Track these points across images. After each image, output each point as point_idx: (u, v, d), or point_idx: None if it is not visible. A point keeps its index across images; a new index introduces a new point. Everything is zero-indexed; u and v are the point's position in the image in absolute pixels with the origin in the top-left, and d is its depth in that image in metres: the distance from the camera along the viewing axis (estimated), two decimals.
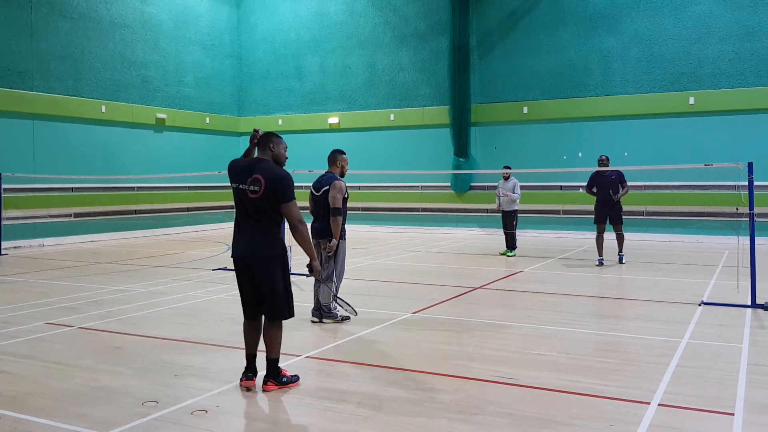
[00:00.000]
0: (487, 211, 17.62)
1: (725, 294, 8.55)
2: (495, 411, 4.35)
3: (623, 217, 11.61)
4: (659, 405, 4.42)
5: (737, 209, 13.65)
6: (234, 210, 4.89)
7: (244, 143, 21.75)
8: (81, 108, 16.59)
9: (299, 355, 5.71)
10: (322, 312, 7.06)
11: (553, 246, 14.78)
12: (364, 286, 8.51)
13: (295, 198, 4.70)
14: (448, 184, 18.75)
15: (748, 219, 7.77)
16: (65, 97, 16.23)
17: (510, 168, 13.35)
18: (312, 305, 7.19)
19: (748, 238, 7.84)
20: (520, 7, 17.76)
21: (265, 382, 4.79)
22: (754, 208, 7.81)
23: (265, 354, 4.85)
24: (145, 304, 8.16)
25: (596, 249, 11.72)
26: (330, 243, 6.87)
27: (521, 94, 17.80)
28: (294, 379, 4.88)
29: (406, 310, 7.61)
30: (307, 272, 4.90)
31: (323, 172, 7.35)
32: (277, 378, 4.80)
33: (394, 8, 19.38)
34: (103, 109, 17.13)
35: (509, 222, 13.20)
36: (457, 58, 18.00)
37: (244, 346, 4.93)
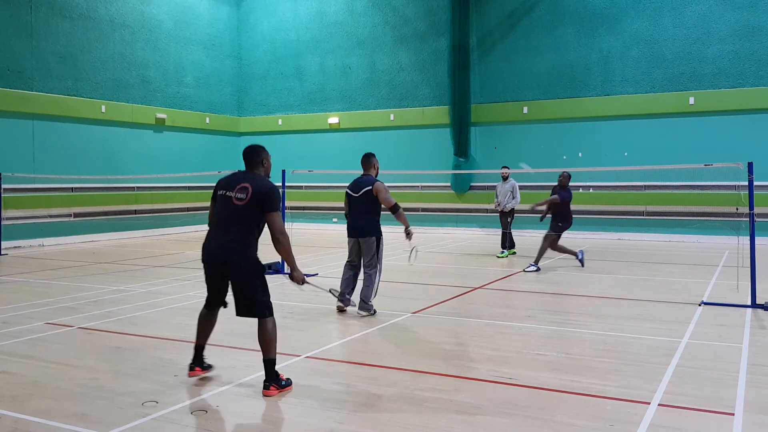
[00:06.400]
0: (487, 211, 17.61)
1: (725, 294, 8.55)
2: (495, 411, 4.35)
3: (560, 227, 11.26)
4: (659, 405, 4.43)
5: (737, 209, 13.65)
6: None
7: (244, 143, 21.69)
8: (81, 108, 16.59)
9: (299, 355, 5.71)
10: (360, 304, 7.34)
11: None
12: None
13: (280, 210, 4.84)
14: (448, 184, 18.75)
15: (748, 219, 7.77)
16: (65, 97, 16.22)
17: (508, 168, 13.36)
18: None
19: (748, 238, 7.84)
20: (520, 7, 17.76)
21: (266, 387, 4.71)
22: (754, 208, 7.81)
23: (261, 356, 4.81)
24: (145, 304, 8.16)
25: (567, 253, 11.53)
26: (407, 231, 7.38)
27: (521, 94, 17.80)
28: (289, 383, 4.85)
29: (406, 310, 7.61)
30: (290, 280, 5.02)
31: (359, 174, 7.67)
32: (277, 381, 4.75)
33: (394, 8, 19.38)
34: (103, 109, 17.13)
35: (505, 220, 13.19)
36: (457, 58, 18.00)
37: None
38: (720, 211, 15.22)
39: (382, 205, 7.42)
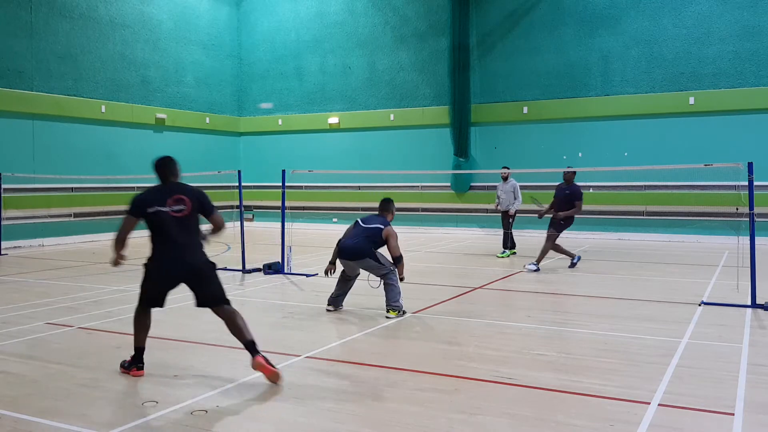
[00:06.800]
0: (487, 211, 17.62)
1: (725, 294, 8.55)
2: (495, 411, 4.35)
3: (562, 225, 11.16)
4: (659, 405, 4.42)
5: (737, 209, 13.65)
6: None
7: (244, 143, 21.78)
8: (81, 108, 16.59)
9: (299, 355, 5.71)
10: (390, 305, 7.37)
11: None
12: (363, 286, 8.50)
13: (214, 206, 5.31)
14: (448, 184, 18.75)
15: (748, 219, 7.77)
16: (65, 97, 16.22)
17: (508, 168, 13.36)
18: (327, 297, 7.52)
19: (748, 238, 7.84)
20: (520, 7, 17.76)
21: (255, 358, 4.88)
22: (754, 208, 7.81)
23: (237, 339, 5.04)
24: None
25: (564, 254, 11.48)
26: (401, 280, 7.52)
27: (521, 94, 17.80)
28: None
29: (407, 310, 7.60)
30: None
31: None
32: (260, 353, 4.97)
33: (394, 8, 19.38)
34: (103, 109, 17.13)
35: (506, 221, 13.21)
36: (457, 58, 18.00)
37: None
38: (720, 211, 15.21)
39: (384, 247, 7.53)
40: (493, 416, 4.26)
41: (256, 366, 4.85)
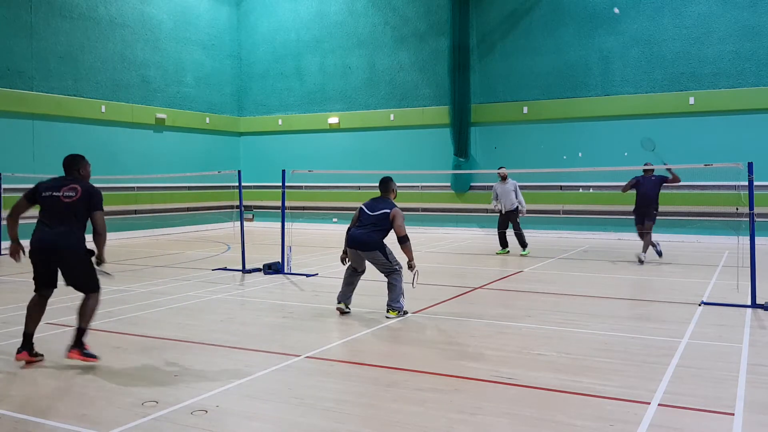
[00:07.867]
0: (487, 211, 17.63)
1: (725, 294, 8.55)
2: (495, 411, 4.35)
3: (656, 217, 11.96)
4: (659, 405, 4.43)
5: (737, 209, 13.66)
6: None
7: (244, 143, 21.78)
8: (81, 108, 16.59)
9: (299, 355, 5.71)
10: (390, 305, 7.34)
11: (553, 246, 14.77)
12: (364, 286, 8.51)
13: (103, 209, 5.60)
14: (448, 184, 18.76)
15: (748, 219, 7.77)
16: (65, 97, 16.22)
17: (504, 168, 13.36)
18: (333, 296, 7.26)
19: (748, 238, 7.84)
20: (520, 7, 17.76)
21: (70, 350, 5.36)
22: (754, 208, 7.81)
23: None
24: (145, 304, 8.16)
25: (644, 246, 11.92)
26: (411, 267, 7.37)
27: (521, 94, 17.80)
28: (93, 356, 5.40)
29: (408, 311, 7.60)
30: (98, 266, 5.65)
31: (377, 194, 7.74)
32: (81, 347, 5.37)
33: (394, 8, 19.38)
34: (103, 109, 17.12)
35: (512, 221, 13.20)
36: (457, 58, 18.00)
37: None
38: (720, 211, 15.22)
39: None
40: (493, 416, 4.26)
41: (67, 356, 5.36)
